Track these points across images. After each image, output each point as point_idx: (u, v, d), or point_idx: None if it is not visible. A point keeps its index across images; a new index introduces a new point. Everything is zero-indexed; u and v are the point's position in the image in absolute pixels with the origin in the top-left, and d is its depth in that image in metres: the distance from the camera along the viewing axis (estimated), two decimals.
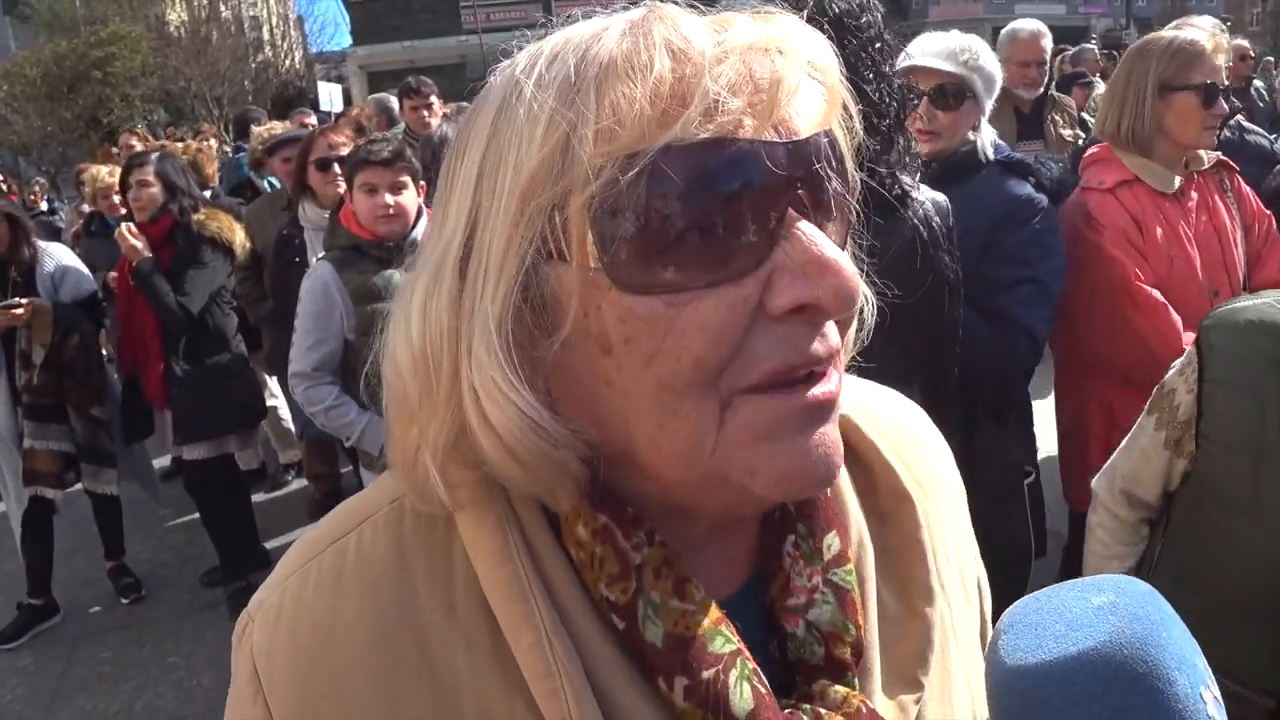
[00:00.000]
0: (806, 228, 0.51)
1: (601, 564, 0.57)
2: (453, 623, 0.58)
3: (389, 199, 2.99)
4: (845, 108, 0.56)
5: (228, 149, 9.37)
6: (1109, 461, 1.84)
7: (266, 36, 36.70)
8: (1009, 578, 1.85)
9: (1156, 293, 2.51)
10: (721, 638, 0.57)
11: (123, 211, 4.35)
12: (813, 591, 0.62)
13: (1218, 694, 0.46)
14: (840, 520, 0.66)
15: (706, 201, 0.49)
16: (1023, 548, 2.51)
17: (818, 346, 0.52)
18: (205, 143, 9.05)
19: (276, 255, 4.15)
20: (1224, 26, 2.75)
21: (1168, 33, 2.69)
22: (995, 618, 0.69)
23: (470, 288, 0.54)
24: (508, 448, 0.54)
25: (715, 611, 0.58)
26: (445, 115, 5.25)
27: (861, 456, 0.71)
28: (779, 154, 0.50)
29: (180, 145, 7.39)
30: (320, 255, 3.27)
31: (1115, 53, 9.80)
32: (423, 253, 0.58)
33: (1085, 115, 5.48)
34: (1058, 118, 4.96)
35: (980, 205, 2.34)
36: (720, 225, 0.50)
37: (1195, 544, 1.66)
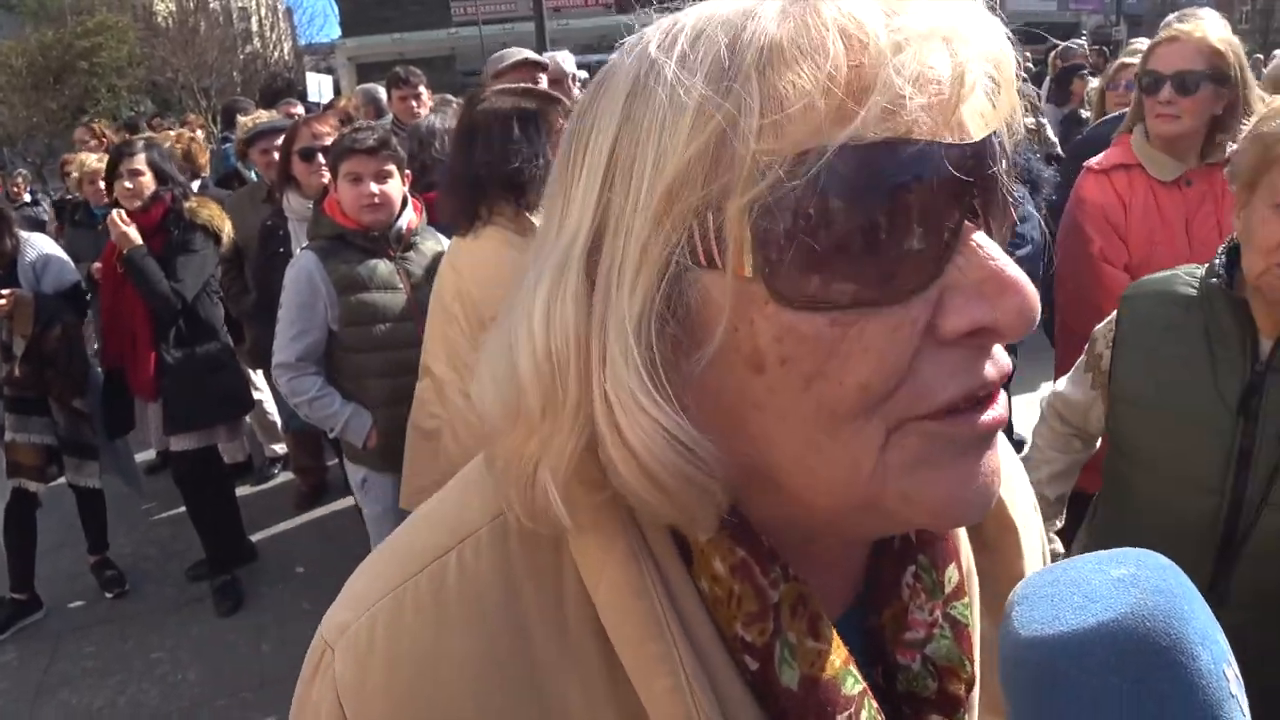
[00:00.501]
0: (982, 240, 0.46)
1: (739, 602, 0.52)
2: (566, 658, 0.53)
3: (374, 188, 2.97)
4: (1014, 105, 0.51)
5: (213, 142, 9.31)
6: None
7: (255, 28, 36.44)
8: None
9: (1120, 273, 2.57)
10: (852, 678, 0.54)
11: (106, 200, 4.28)
12: (932, 625, 0.59)
13: (1238, 673, 0.44)
14: (958, 554, 0.63)
15: (881, 209, 0.44)
16: None
17: (990, 371, 0.48)
18: (194, 133, 8.99)
19: (261, 247, 4.11)
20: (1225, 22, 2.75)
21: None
22: None
23: (601, 291, 0.49)
24: (645, 468, 0.48)
25: (843, 650, 0.55)
26: (432, 106, 5.20)
27: None
28: (957, 157, 0.45)
29: (173, 135, 7.32)
30: (304, 245, 3.24)
31: (1105, 49, 9.84)
32: (542, 247, 0.53)
33: (1085, 106, 5.57)
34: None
35: None
36: (894, 237, 0.44)
37: (1113, 497, 1.79)
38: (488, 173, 2.37)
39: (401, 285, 3.09)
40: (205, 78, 26.06)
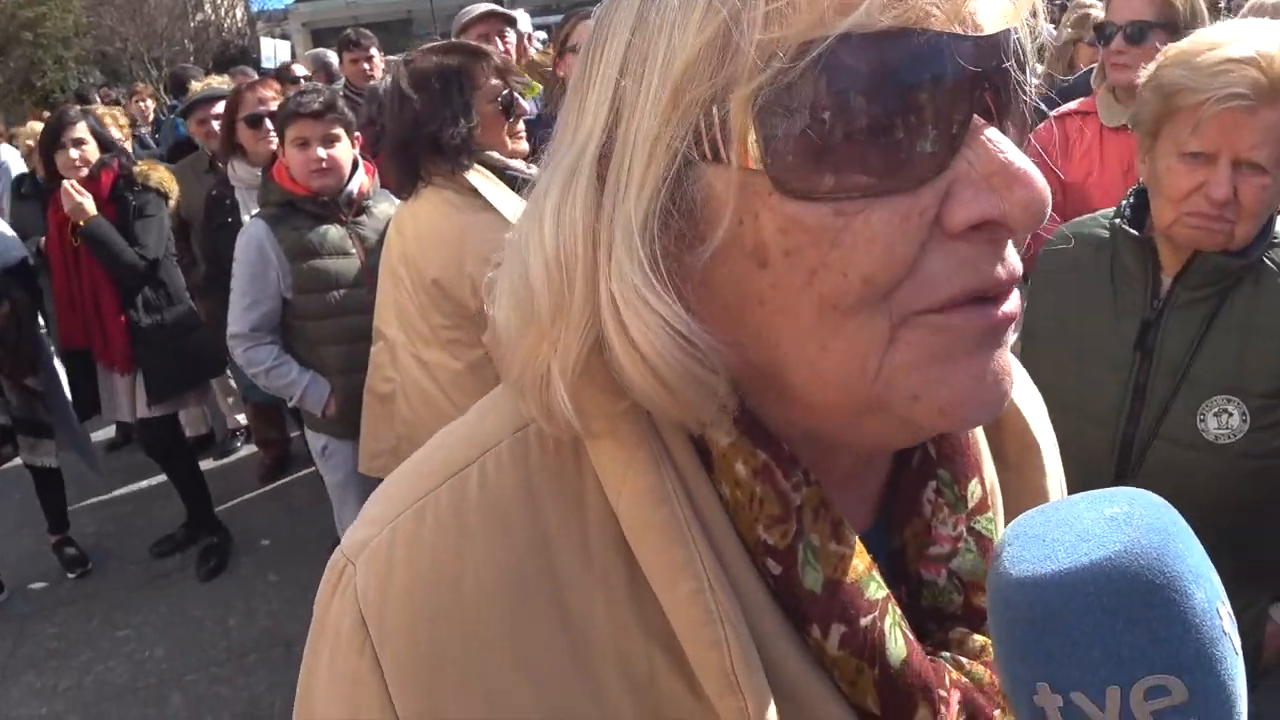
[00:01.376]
0: (993, 134, 0.46)
1: (762, 505, 0.53)
2: (588, 567, 0.53)
3: (321, 152, 2.92)
4: (1034, 7, 0.50)
5: (163, 112, 9.09)
6: None
7: None
8: None
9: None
10: (875, 583, 0.54)
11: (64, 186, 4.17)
12: (957, 540, 0.59)
13: (1230, 611, 0.44)
14: (980, 468, 0.62)
15: (887, 99, 0.44)
16: None
17: (1000, 270, 0.47)
18: (114, 107, 8.77)
19: (207, 218, 4.04)
20: None
21: None
22: None
23: (611, 189, 0.49)
24: (650, 364, 0.49)
25: (866, 556, 0.55)
26: (384, 69, 5.11)
27: None
28: (967, 49, 0.44)
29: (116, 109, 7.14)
30: (253, 213, 3.19)
31: (1065, 2, 9.80)
32: (554, 155, 0.53)
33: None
34: None
35: None
36: (900, 126, 0.44)
37: None
38: (413, 135, 2.33)
39: (354, 250, 3.05)
40: (155, 47, 25.39)
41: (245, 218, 3.80)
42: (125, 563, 4.47)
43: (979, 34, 0.45)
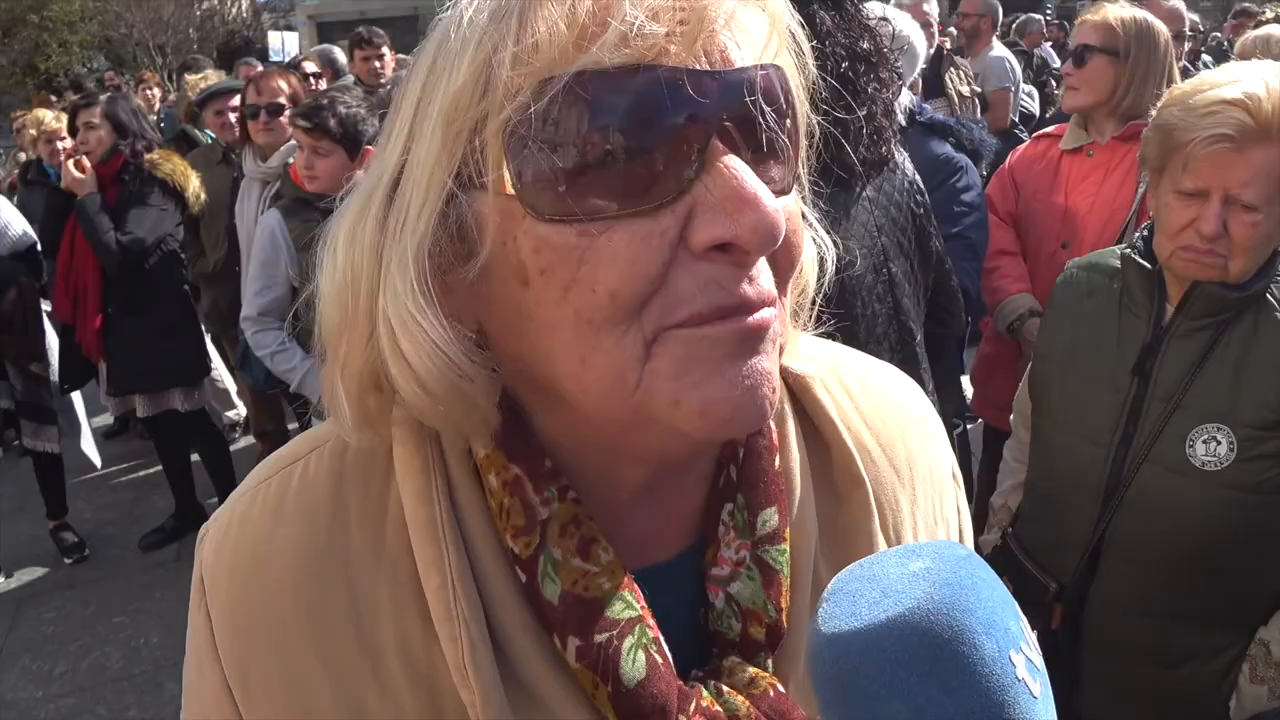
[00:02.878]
0: (732, 161, 0.49)
1: (508, 515, 0.57)
2: (379, 557, 0.60)
3: (310, 161, 3.00)
4: (797, 42, 0.55)
5: (171, 98, 9.08)
6: None
7: None
8: None
9: (995, 217, 2.80)
10: (623, 603, 0.57)
11: (62, 159, 4.19)
12: (738, 564, 0.61)
13: (1033, 656, 0.46)
14: (783, 498, 0.64)
15: (620, 129, 0.48)
16: None
17: (747, 289, 0.50)
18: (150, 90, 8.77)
19: (229, 207, 4.06)
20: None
21: None
22: None
23: (396, 211, 0.53)
24: (420, 379, 0.53)
25: (621, 576, 0.57)
26: (395, 68, 5.15)
27: (822, 432, 0.69)
28: (705, 84, 0.48)
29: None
30: (271, 205, 3.29)
31: (1066, 23, 9.91)
32: (361, 182, 0.58)
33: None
34: (955, 73, 5.19)
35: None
36: (634, 154, 0.48)
37: (1034, 452, 1.90)
38: None
39: None
40: (161, 34, 25.32)
41: (246, 209, 3.82)
42: (123, 550, 4.50)
43: (724, 69, 0.49)
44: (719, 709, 0.57)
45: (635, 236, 0.48)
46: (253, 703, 0.60)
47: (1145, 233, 1.74)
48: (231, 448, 5.43)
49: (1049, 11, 13.23)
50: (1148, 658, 1.70)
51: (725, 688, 0.58)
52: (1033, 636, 0.47)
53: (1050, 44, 7.25)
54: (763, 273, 0.52)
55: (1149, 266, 1.67)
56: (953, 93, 5.15)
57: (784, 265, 0.54)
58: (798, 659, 0.62)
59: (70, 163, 3.86)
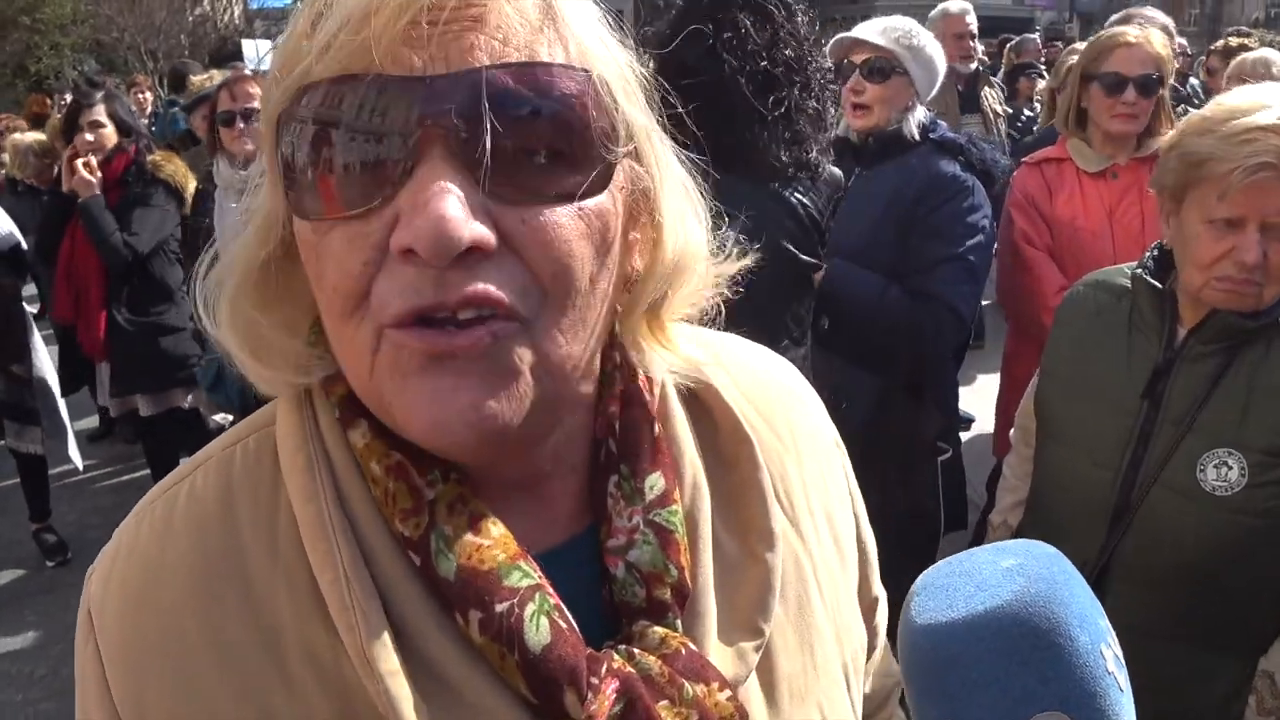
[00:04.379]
0: (430, 171, 0.50)
1: (394, 499, 0.57)
2: (274, 562, 0.59)
3: None
4: (611, 39, 0.57)
5: (159, 105, 9.07)
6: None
7: None
8: (907, 548, 1.95)
9: (1040, 253, 2.79)
10: (519, 572, 0.57)
11: (65, 159, 4.14)
12: (633, 532, 0.62)
13: (1118, 652, 0.48)
14: (668, 462, 0.65)
15: (333, 136, 0.51)
16: (925, 519, 2.62)
17: (443, 294, 0.50)
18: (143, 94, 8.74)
19: (192, 212, 4.05)
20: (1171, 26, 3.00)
21: (1108, 28, 2.97)
22: (898, 585, 0.70)
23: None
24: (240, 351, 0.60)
25: (513, 547, 0.58)
26: None
27: (704, 401, 0.71)
28: (417, 90, 0.49)
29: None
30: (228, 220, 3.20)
31: (1058, 44, 10.05)
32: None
33: (1037, 102, 5.74)
34: (990, 92, 5.26)
35: (906, 181, 2.45)
36: (343, 161, 0.51)
37: (1037, 466, 1.89)
38: None
39: None
40: (152, 39, 25.27)
41: (219, 217, 3.79)
42: None
43: (434, 74, 0.50)
44: (631, 670, 0.57)
45: (346, 237, 0.52)
46: None
47: (1155, 252, 1.72)
48: None
49: (1038, 32, 13.37)
50: (1151, 682, 1.69)
51: (637, 651, 0.58)
52: (1114, 636, 0.49)
53: (1037, 71, 7.34)
54: (481, 278, 0.51)
55: (1160, 287, 1.66)
56: (988, 110, 5.21)
57: (544, 274, 0.53)
58: (707, 617, 0.63)
59: (79, 163, 3.82)
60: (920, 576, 0.52)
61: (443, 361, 0.52)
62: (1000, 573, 0.49)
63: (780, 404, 0.76)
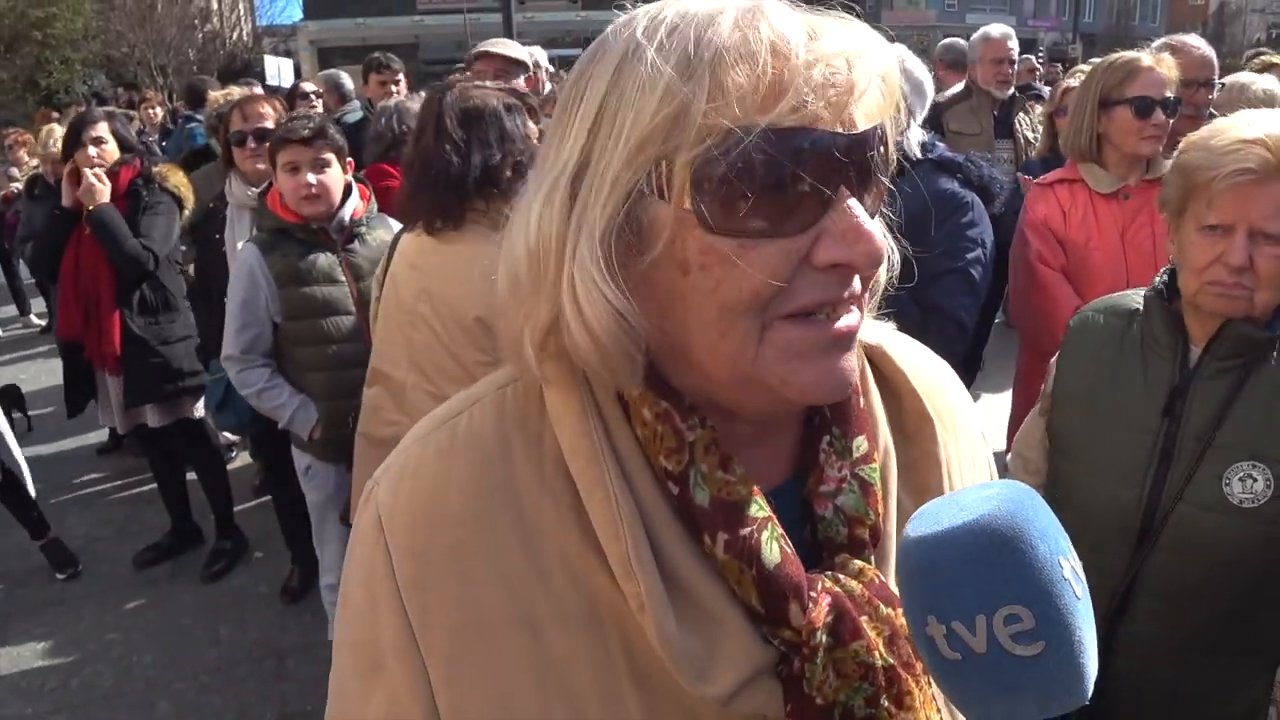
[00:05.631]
0: (853, 203, 0.64)
1: (661, 439, 0.70)
2: (541, 484, 0.72)
3: (311, 178, 2.95)
4: (898, 106, 0.68)
5: (170, 125, 9.15)
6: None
7: (215, 6, 35.71)
8: None
9: (1055, 273, 2.83)
10: (756, 505, 0.70)
11: (71, 171, 4.19)
12: (841, 481, 0.74)
13: (1077, 566, 0.57)
14: (869, 429, 0.78)
15: (782, 173, 0.61)
16: None
17: (844, 292, 0.66)
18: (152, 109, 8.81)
19: (203, 228, 4.10)
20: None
21: (1117, 54, 2.98)
22: None
23: (580, 205, 0.66)
24: (590, 331, 0.66)
25: (751, 485, 0.70)
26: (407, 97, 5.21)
27: (891, 383, 0.84)
28: (842, 143, 0.63)
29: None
30: (248, 238, 3.21)
31: (1061, 65, 10.13)
32: (539, 171, 0.71)
33: (1039, 123, 5.78)
34: (1025, 118, 5.30)
35: (906, 199, 2.47)
36: (789, 192, 0.62)
37: (1051, 488, 1.92)
38: (466, 170, 2.29)
39: (343, 278, 3.08)
40: (162, 55, 25.47)
41: (230, 236, 3.84)
42: (116, 566, 4.47)
43: (852, 132, 0.63)
44: (839, 589, 0.70)
45: (780, 251, 0.63)
46: (429, 621, 0.71)
47: (1166, 275, 1.77)
48: (228, 466, 5.44)
49: (1040, 54, 13.44)
50: (1177, 697, 1.70)
51: (841, 576, 0.71)
52: (1079, 561, 0.58)
53: (1042, 82, 7.39)
54: (855, 282, 0.67)
55: (1171, 308, 1.70)
56: (1020, 136, 5.25)
57: (866, 279, 0.69)
58: (890, 559, 0.75)
59: (89, 172, 3.86)
60: (919, 508, 0.62)
61: (838, 344, 0.66)
62: (980, 498, 0.58)
63: (943, 392, 0.88)
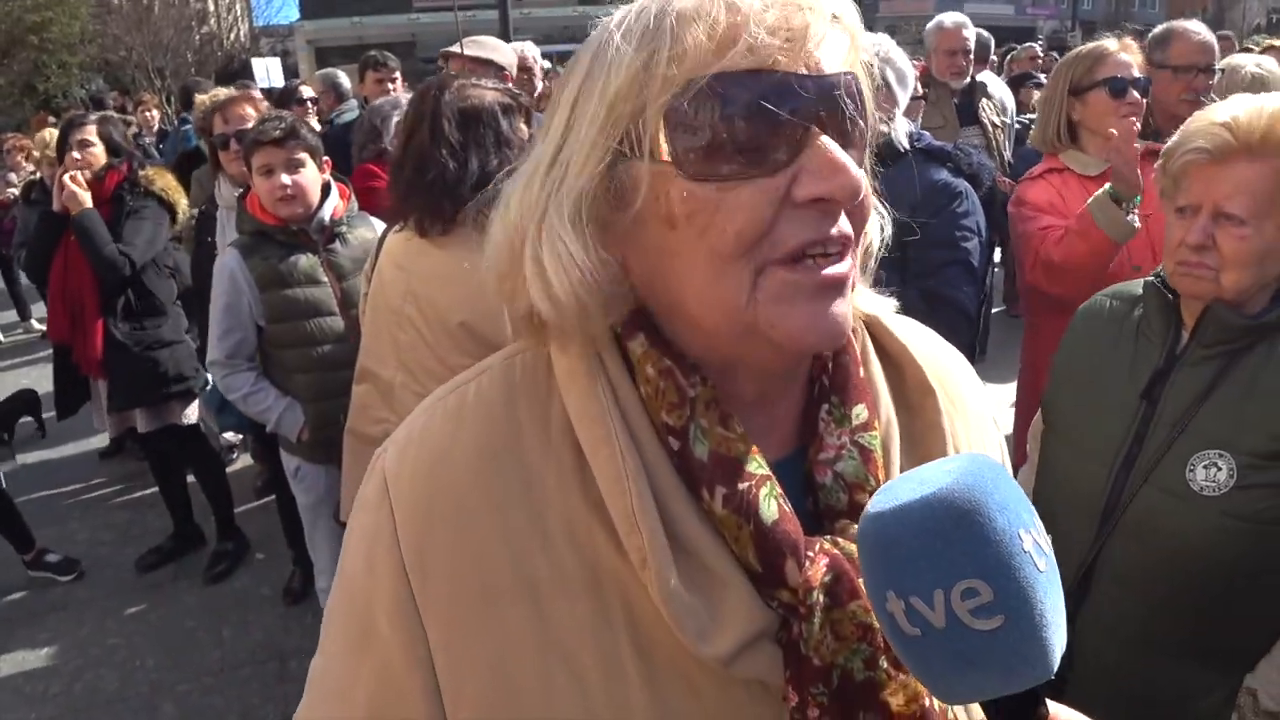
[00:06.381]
0: (825, 140, 0.65)
1: (663, 395, 0.72)
2: (547, 449, 0.74)
3: (285, 179, 2.92)
4: (869, 59, 0.71)
5: (167, 127, 9.14)
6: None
7: (211, 7, 35.67)
8: None
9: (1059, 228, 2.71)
10: (755, 462, 0.71)
11: (56, 176, 4.19)
12: (840, 448, 0.75)
13: (1041, 541, 0.56)
14: (870, 398, 0.79)
15: (750, 114, 0.64)
16: None
17: (832, 230, 0.66)
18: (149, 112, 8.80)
19: (196, 231, 4.11)
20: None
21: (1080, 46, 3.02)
22: None
23: (554, 181, 0.70)
24: (549, 289, 0.69)
25: (751, 444, 0.71)
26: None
27: (893, 355, 0.84)
28: (806, 83, 0.64)
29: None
30: (230, 241, 3.20)
31: (1057, 54, 10.09)
32: (528, 158, 0.74)
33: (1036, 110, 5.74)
34: (988, 103, 5.25)
35: (900, 190, 2.49)
36: (759, 133, 0.64)
37: (1040, 470, 1.93)
38: (464, 173, 2.22)
39: (325, 279, 3.06)
40: (159, 57, 25.46)
41: (221, 238, 3.83)
42: (118, 570, 4.47)
43: (817, 74, 0.65)
44: (837, 551, 0.70)
45: (757, 191, 0.65)
46: (429, 583, 0.72)
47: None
48: (228, 469, 5.44)
49: (1040, 42, 13.40)
50: (1132, 691, 1.69)
51: (840, 540, 0.71)
52: (1045, 534, 0.57)
53: (1041, 73, 7.37)
54: (843, 219, 0.67)
55: (1168, 295, 1.72)
56: (986, 121, 5.22)
57: (858, 220, 0.70)
58: None
59: (68, 177, 3.86)
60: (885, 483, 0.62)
61: (827, 288, 0.66)
62: (940, 472, 0.57)
63: (950, 372, 0.88)
